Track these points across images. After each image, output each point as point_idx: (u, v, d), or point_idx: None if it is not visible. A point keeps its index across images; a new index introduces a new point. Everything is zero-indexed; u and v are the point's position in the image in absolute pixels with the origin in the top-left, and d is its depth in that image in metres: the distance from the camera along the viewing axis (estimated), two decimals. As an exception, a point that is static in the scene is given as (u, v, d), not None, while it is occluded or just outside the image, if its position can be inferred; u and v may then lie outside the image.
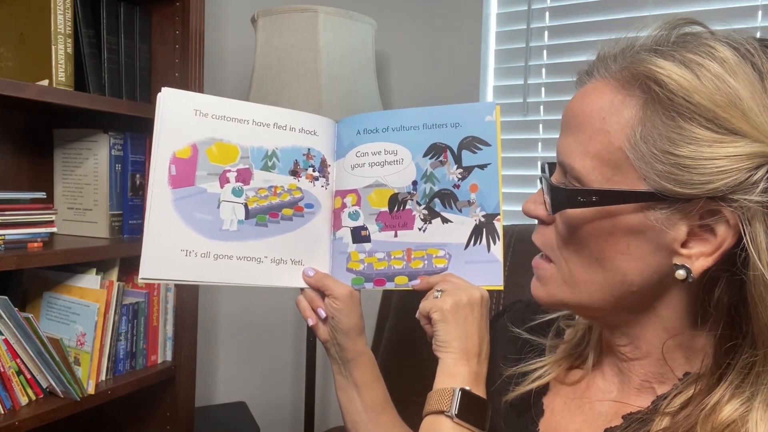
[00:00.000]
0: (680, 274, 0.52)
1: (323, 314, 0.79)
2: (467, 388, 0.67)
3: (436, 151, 0.80)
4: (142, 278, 0.73)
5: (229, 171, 0.78)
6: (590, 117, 0.55)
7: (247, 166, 0.78)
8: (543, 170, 0.61)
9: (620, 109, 0.53)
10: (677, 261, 0.52)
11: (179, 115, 0.76)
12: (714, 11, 1.37)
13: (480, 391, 0.69)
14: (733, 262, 0.50)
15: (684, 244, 0.52)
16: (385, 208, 0.80)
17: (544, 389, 0.67)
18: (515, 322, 0.75)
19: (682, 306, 0.56)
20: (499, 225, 0.78)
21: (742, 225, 0.48)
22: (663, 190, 0.50)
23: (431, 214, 0.80)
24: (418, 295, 0.78)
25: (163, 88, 0.76)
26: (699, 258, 0.51)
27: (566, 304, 0.61)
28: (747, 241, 0.48)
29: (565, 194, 0.56)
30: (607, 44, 0.57)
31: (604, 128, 0.53)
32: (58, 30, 1.16)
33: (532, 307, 0.75)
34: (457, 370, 0.69)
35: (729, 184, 0.48)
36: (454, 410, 0.65)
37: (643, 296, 0.56)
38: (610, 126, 0.53)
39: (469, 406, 0.67)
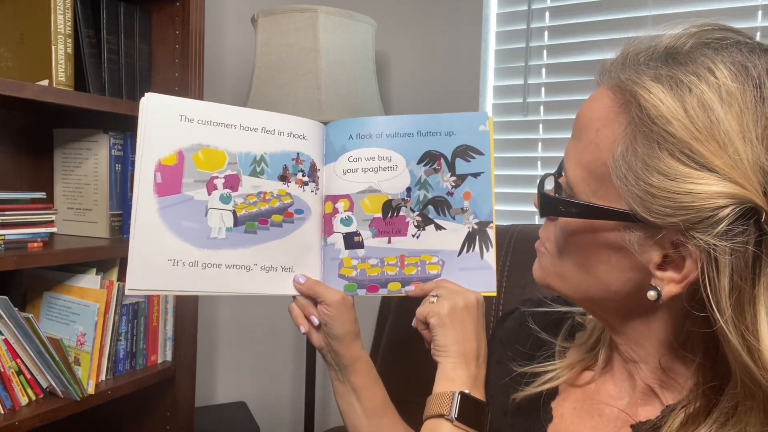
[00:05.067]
0: (651, 295, 0.51)
1: (316, 321, 0.77)
2: (466, 391, 0.68)
3: (430, 158, 0.80)
4: (130, 290, 0.71)
5: (217, 177, 0.76)
6: (588, 125, 0.54)
7: (235, 172, 0.76)
8: (561, 167, 0.59)
9: (613, 123, 0.52)
10: (653, 281, 0.51)
11: (164, 121, 0.74)
12: (714, 11, 1.36)
13: (479, 394, 0.70)
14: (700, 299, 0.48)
15: (660, 267, 0.51)
16: (379, 214, 0.80)
17: (553, 393, 0.66)
18: (533, 316, 0.74)
19: (672, 324, 0.55)
20: (492, 232, 0.79)
21: (705, 264, 0.47)
22: (636, 214, 0.50)
23: (425, 221, 0.80)
24: (417, 297, 0.78)
25: (146, 93, 0.73)
26: (670, 283, 0.50)
27: (556, 291, 0.61)
28: (704, 282, 0.47)
29: (550, 201, 0.57)
30: (628, 44, 0.54)
31: (595, 140, 0.53)
32: (58, 30, 1.16)
33: (545, 303, 0.75)
34: (456, 374, 0.69)
35: (690, 221, 0.46)
36: (454, 413, 0.66)
37: (630, 304, 0.55)
38: (601, 139, 0.52)
39: (469, 409, 0.67)
